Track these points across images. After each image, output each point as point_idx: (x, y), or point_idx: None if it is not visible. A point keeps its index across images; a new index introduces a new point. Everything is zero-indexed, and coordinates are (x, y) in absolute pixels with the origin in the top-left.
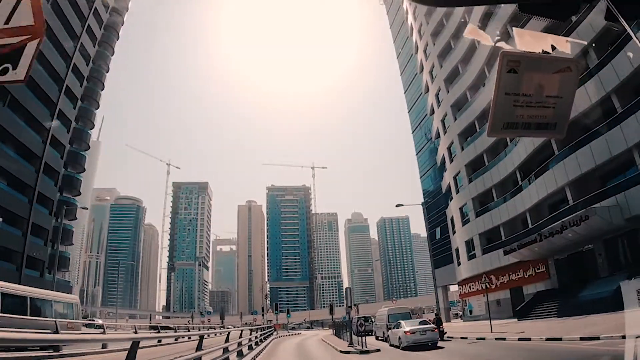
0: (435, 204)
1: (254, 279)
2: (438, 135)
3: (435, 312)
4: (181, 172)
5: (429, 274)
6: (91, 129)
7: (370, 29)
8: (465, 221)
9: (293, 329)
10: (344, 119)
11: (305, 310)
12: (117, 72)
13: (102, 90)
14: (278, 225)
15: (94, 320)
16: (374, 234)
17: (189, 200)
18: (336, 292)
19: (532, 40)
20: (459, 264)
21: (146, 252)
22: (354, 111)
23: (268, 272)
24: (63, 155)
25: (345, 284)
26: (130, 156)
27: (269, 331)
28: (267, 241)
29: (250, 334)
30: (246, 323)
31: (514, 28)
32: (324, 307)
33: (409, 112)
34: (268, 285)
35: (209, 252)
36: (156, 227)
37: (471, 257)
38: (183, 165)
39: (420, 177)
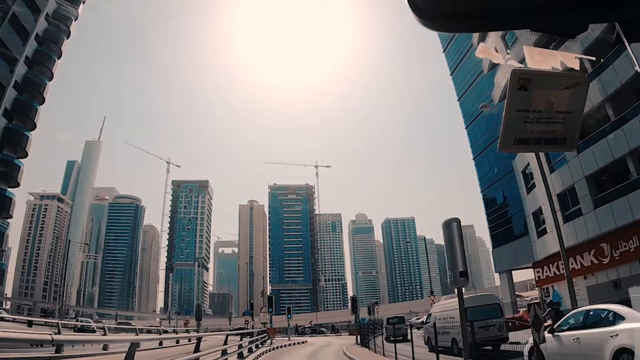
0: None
1: (255, 280)
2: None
3: (548, 302)
4: (182, 171)
5: (434, 277)
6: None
7: (383, 25)
8: (559, 162)
9: (300, 333)
10: (347, 117)
11: (308, 312)
12: (118, 72)
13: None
14: (280, 226)
15: (89, 323)
16: (378, 235)
17: (189, 199)
18: (340, 295)
19: (541, 57)
20: (540, 234)
21: (147, 253)
22: (357, 109)
23: (270, 274)
24: None
25: (350, 287)
26: (131, 156)
27: (261, 338)
28: (269, 242)
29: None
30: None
31: (524, 46)
32: (327, 309)
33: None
34: (269, 287)
35: (209, 252)
36: (157, 228)
37: (569, 217)
38: (184, 165)
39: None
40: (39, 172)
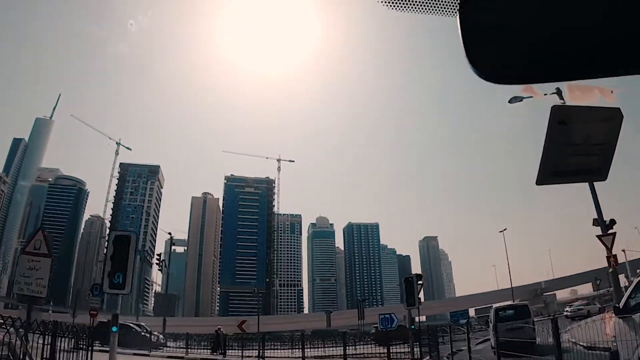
0: None
1: (203, 280)
2: None
3: None
4: (134, 156)
5: (394, 288)
6: None
7: (353, 15)
8: None
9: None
10: (317, 114)
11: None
12: (77, 49)
13: None
14: (235, 221)
15: None
16: (339, 242)
17: (136, 185)
18: (295, 302)
19: (580, 93)
20: None
21: (91, 245)
22: (327, 107)
23: (219, 274)
24: None
25: (306, 293)
26: (83, 137)
27: None
28: (221, 239)
29: None
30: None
31: (565, 83)
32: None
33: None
34: (218, 288)
35: (154, 246)
36: (106, 220)
37: None
38: (138, 151)
39: None
40: None
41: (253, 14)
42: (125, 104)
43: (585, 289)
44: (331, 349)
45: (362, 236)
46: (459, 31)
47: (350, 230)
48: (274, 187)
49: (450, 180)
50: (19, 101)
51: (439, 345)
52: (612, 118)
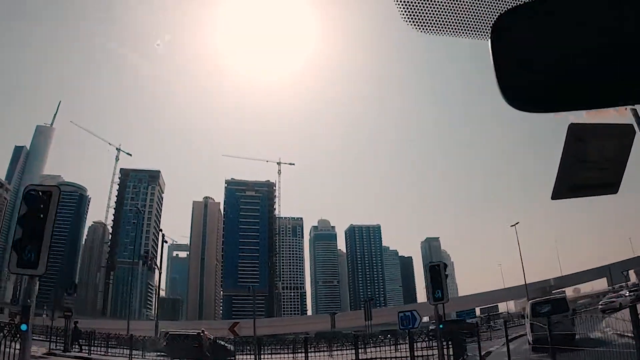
0: None
1: (206, 284)
2: None
3: None
4: (135, 162)
5: (397, 290)
6: None
7: (353, 18)
8: None
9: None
10: (316, 116)
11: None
12: (75, 55)
13: None
14: (236, 225)
15: None
16: (341, 244)
17: (137, 190)
18: (298, 305)
19: (596, 112)
20: None
21: (95, 251)
22: (326, 110)
23: (222, 278)
24: None
25: (309, 296)
26: (84, 145)
27: None
28: (223, 242)
29: None
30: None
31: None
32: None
33: None
34: (222, 293)
35: (156, 250)
36: (108, 226)
37: None
38: (138, 157)
39: None
40: None
41: (252, 19)
42: (125, 110)
43: (587, 287)
44: (339, 352)
45: (364, 238)
46: (491, 56)
47: (352, 233)
48: (275, 190)
49: (451, 181)
50: (20, 109)
51: (466, 346)
52: (625, 134)
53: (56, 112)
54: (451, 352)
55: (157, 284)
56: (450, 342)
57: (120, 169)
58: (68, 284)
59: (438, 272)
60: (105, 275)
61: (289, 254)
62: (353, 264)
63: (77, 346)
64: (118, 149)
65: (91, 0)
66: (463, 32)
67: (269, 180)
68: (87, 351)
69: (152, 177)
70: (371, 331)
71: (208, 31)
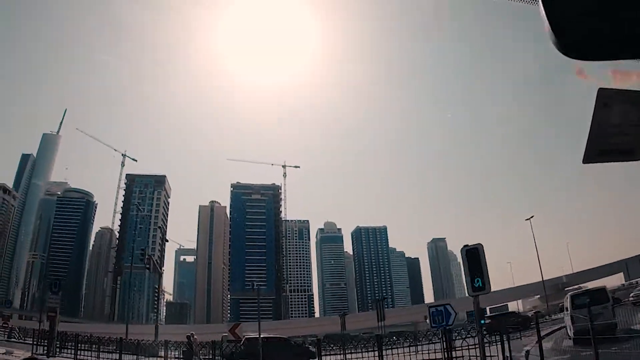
0: None
1: (213, 288)
2: None
3: None
4: (140, 168)
5: (404, 291)
6: None
7: (355, 18)
8: None
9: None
10: (319, 118)
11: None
12: (79, 64)
13: None
14: (242, 229)
15: None
16: (347, 246)
17: (143, 195)
18: (306, 307)
19: (624, 76)
20: None
21: (102, 256)
22: (331, 109)
23: (229, 282)
24: None
25: (317, 298)
26: (90, 152)
27: None
28: (229, 246)
29: None
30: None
31: (610, 69)
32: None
33: None
34: (229, 296)
35: (163, 256)
36: (115, 231)
37: None
38: (143, 162)
39: None
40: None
41: (253, 22)
42: (129, 116)
43: (601, 284)
44: (356, 356)
45: (371, 240)
46: (541, 4)
47: (359, 235)
48: (281, 193)
49: (456, 181)
50: (27, 117)
51: (509, 343)
52: None
53: (62, 120)
54: (506, 350)
55: (159, 286)
56: (503, 338)
57: (126, 174)
58: (52, 282)
59: (477, 256)
60: (113, 280)
61: (296, 256)
62: (360, 266)
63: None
64: (123, 155)
65: (94, 7)
66: None
67: (274, 184)
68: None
69: (157, 182)
70: (383, 332)
71: (212, 35)
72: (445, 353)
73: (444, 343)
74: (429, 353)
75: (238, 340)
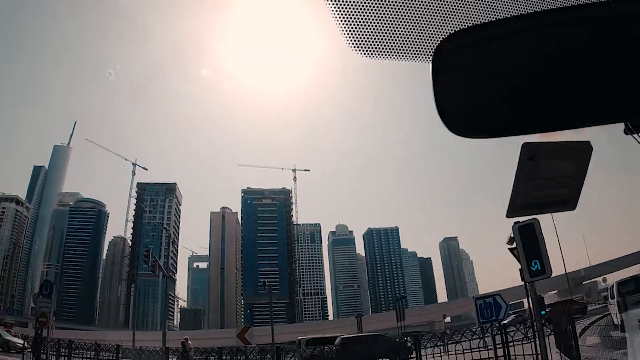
0: None
1: (226, 293)
2: None
3: None
4: (151, 176)
5: (417, 291)
6: None
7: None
8: None
9: None
10: (327, 119)
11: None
12: (87, 73)
13: None
14: (254, 234)
15: None
16: (359, 248)
17: (154, 203)
18: (320, 310)
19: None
20: None
21: (116, 265)
22: (340, 111)
23: (242, 287)
24: None
25: (330, 301)
26: (101, 163)
27: None
28: (242, 251)
29: None
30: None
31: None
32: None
33: None
34: (242, 301)
35: (176, 263)
36: (128, 240)
37: None
38: (153, 170)
39: None
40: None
41: (261, 26)
42: (139, 124)
43: (618, 276)
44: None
45: (382, 241)
46: (431, 81)
47: (370, 236)
48: (291, 197)
49: (466, 178)
50: (38, 130)
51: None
52: (582, 151)
53: (72, 132)
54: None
55: (165, 287)
56: (571, 331)
57: (137, 183)
58: (43, 283)
59: (533, 234)
60: (127, 288)
61: (308, 260)
62: (372, 268)
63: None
64: (134, 164)
65: (101, 15)
66: (407, 56)
67: (284, 188)
68: None
69: (168, 190)
70: (403, 332)
71: (220, 39)
72: (502, 349)
73: (500, 337)
74: (479, 351)
75: (249, 344)
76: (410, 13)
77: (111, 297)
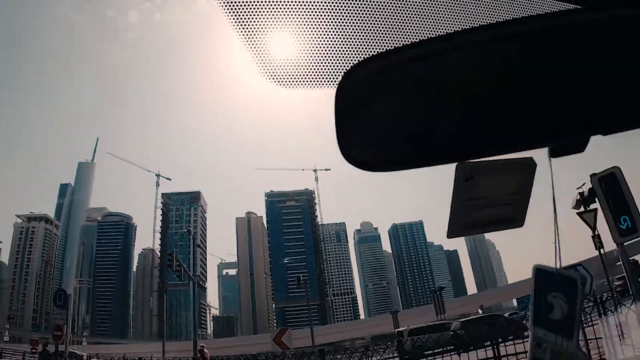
0: None
1: (257, 299)
2: None
3: None
4: (174, 185)
5: (447, 284)
6: None
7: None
8: None
9: None
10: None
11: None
12: (105, 87)
13: None
14: (280, 237)
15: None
16: (385, 244)
17: (180, 212)
18: (351, 310)
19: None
20: None
21: (146, 277)
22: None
23: (272, 291)
24: None
25: (360, 300)
26: (125, 176)
27: None
28: (269, 255)
29: None
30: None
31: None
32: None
33: None
34: (274, 306)
35: (205, 271)
36: (157, 251)
37: None
38: (177, 180)
39: None
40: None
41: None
42: (159, 136)
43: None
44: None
45: (408, 236)
46: (333, 110)
47: (395, 232)
48: (314, 197)
49: None
50: (62, 149)
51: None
52: (525, 167)
53: (95, 148)
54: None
55: (192, 293)
56: None
57: (162, 193)
58: (56, 294)
59: (616, 185)
60: (158, 299)
61: (336, 260)
62: (400, 263)
63: None
64: (157, 175)
65: (113, 28)
66: (317, 85)
67: (307, 188)
68: None
69: (193, 199)
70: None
71: (231, 40)
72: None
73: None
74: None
75: (287, 349)
76: (318, 42)
77: (144, 309)
